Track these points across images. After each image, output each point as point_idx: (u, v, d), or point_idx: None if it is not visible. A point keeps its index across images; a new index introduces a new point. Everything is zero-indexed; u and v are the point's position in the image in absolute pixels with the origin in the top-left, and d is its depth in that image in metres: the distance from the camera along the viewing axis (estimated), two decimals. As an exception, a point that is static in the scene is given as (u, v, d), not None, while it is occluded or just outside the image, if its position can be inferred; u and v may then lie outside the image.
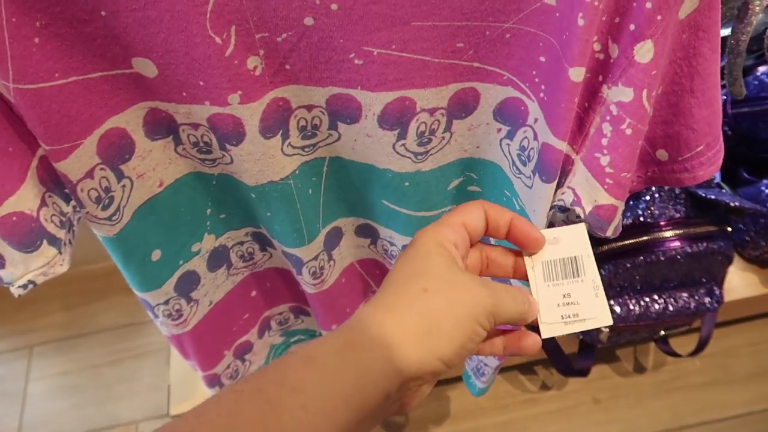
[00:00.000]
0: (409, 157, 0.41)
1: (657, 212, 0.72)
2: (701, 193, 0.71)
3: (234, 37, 0.33)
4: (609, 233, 0.39)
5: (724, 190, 0.74)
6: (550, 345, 0.87)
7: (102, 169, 0.39)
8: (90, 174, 0.38)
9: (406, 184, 0.43)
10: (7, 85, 0.31)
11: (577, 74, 0.32)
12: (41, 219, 0.36)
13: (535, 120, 0.38)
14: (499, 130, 0.41)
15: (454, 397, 0.99)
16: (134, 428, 1.00)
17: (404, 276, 0.30)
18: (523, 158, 0.40)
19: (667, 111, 0.35)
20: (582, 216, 0.37)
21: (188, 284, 0.52)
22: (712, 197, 0.70)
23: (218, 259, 0.53)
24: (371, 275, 0.58)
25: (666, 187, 0.72)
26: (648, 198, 0.72)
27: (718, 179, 0.78)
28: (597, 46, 0.32)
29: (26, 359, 1.09)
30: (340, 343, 0.28)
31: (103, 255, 1.24)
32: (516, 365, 1.00)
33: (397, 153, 0.40)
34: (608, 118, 0.34)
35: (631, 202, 0.72)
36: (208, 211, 0.48)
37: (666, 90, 0.34)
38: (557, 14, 0.32)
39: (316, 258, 0.50)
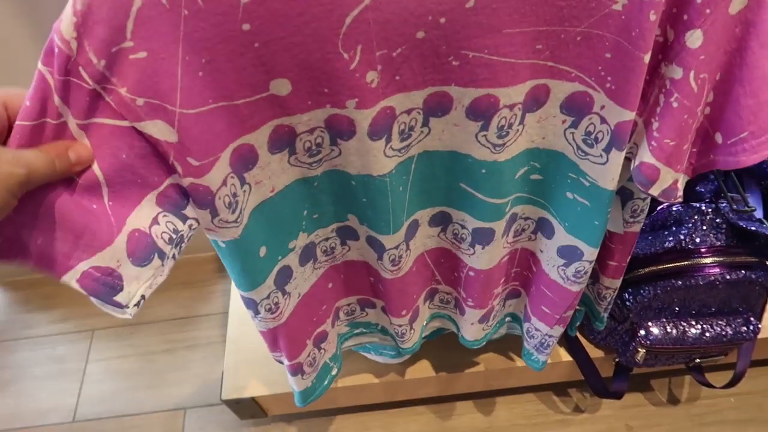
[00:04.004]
0: (489, 147, 0.47)
1: (698, 240, 0.76)
2: (742, 224, 0.74)
3: (359, 55, 0.38)
4: (653, 192, 0.45)
5: (765, 225, 0.77)
6: (586, 365, 0.91)
7: (232, 177, 0.43)
8: (224, 182, 0.43)
9: (483, 171, 0.48)
10: (174, 109, 0.36)
11: (647, 57, 0.39)
12: (153, 235, 0.40)
13: (602, 107, 0.44)
14: (564, 121, 0.47)
15: (488, 413, 1.02)
16: (182, 414, 1.05)
17: None
18: (589, 141, 0.47)
19: (722, 98, 0.41)
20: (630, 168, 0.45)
21: (284, 278, 0.56)
22: (753, 229, 0.73)
23: (308, 254, 0.57)
24: (436, 264, 0.63)
25: (708, 216, 0.76)
26: (690, 225, 0.76)
27: (760, 215, 0.82)
28: (657, 31, 0.39)
29: (88, 341, 1.17)
30: None
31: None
32: (550, 385, 1.03)
33: (479, 142, 0.46)
34: (663, 90, 0.41)
35: (674, 228, 0.77)
36: (305, 212, 0.53)
37: (722, 78, 0.40)
38: (623, 17, 0.38)
39: (397, 247, 0.55)
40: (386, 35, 0.38)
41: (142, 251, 0.40)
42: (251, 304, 0.55)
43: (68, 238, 0.37)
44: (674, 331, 0.80)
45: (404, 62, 0.40)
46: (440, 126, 0.46)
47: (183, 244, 0.43)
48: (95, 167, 0.37)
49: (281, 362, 0.68)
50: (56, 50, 0.33)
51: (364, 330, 0.75)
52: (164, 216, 0.41)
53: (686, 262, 0.75)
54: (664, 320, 0.80)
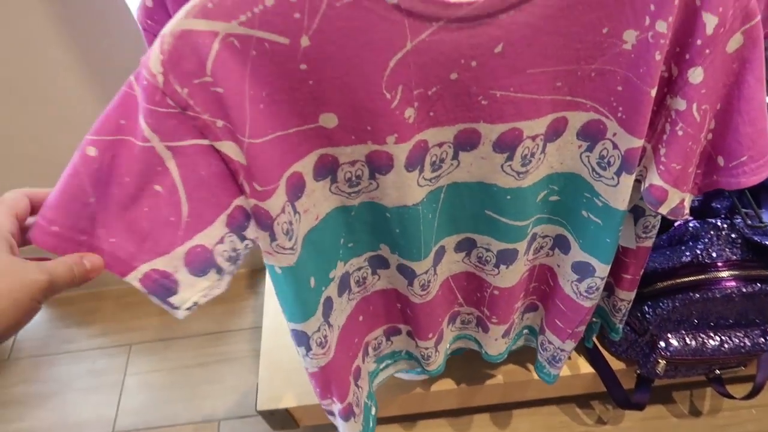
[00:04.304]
0: (513, 175, 0.50)
1: (715, 254, 0.78)
2: (757, 239, 0.77)
3: (399, 94, 0.42)
4: (662, 211, 0.49)
5: (779, 239, 0.80)
6: (608, 376, 0.93)
7: (288, 205, 0.46)
8: (283, 210, 0.46)
9: (508, 197, 0.52)
10: (243, 140, 0.40)
11: (654, 91, 0.43)
12: (214, 253, 0.44)
13: (614, 134, 0.48)
14: (580, 146, 0.51)
15: (511, 425, 1.05)
16: (216, 425, 1.09)
17: None
18: (602, 164, 0.51)
19: (723, 126, 0.45)
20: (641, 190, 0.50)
21: (328, 309, 0.58)
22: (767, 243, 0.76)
23: (343, 284, 0.60)
24: (459, 288, 0.67)
25: (723, 232, 0.79)
26: (707, 240, 0.79)
27: (774, 230, 0.84)
28: (663, 67, 0.43)
29: (126, 355, 1.22)
30: None
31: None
32: (573, 396, 1.06)
33: (504, 171, 0.50)
34: (669, 120, 0.45)
35: (691, 243, 0.79)
36: (341, 240, 0.56)
37: (723, 108, 0.45)
38: (632, 55, 0.43)
39: (426, 272, 0.59)
40: (424, 76, 0.42)
41: (199, 264, 0.43)
42: (303, 339, 0.57)
43: (135, 240, 0.40)
44: (693, 342, 0.82)
45: (438, 100, 0.44)
46: (469, 159, 0.50)
47: (239, 261, 0.47)
48: (178, 183, 0.40)
49: (332, 412, 0.69)
50: (144, 82, 0.37)
51: (389, 361, 0.77)
52: (229, 236, 0.44)
53: (703, 276, 0.78)
54: (684, 332, 0.83)
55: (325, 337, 0.59)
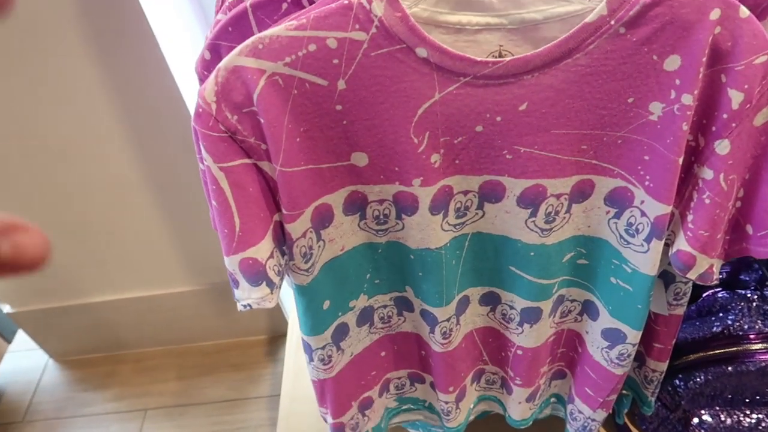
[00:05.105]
0: (537, 232, 0.51)
1: (746, 326, 0.76)
2: (790, 311, 0.75)
3: (426, 140, 0.45)
4: (691, 277, 0.48)
5: (813, 312, 0.78)
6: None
7: (311, 231, 0.50)
8: (304, 235, 0.49)
9: (531, 253, 0.52)
10: (275, 167, 0.44)
11: (681, 160, 0.44)
12: (267, 267, 0.47)
13: (642, 202, 0.48)
14: (608, 212, 0.51)
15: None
16: (228, 497, 1.06)
17: None
18: (630, 232, 0.51)
19: (751, 195, 0.45)
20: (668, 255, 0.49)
21: (341, 334, 0.61)
22: (801, 316, 0.74)
23: (365, 316, 0.62)
24: (484, 343, 0.66)
25: (754, 304, 0.77)
26: (737, 311, 0.77)
27: (807, 303, 0.82)
28: (690, 137, 0.43)
29: (140, 420, 1.20)
30: None
31: (216, 334, 1.38)
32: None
33: (528, 227, 0.50)
34: (696, 188, 0.45)
35: (721, 314, 0.78)
36: (368, 275, 0.58)
37: (751, 178, 0.45)
38: (659, 126, 0.43)
39: (448, 320, 0.59)
40: (450, 125, 0.45)
41: (252, 275, 0.47)
42: (308, 349, 0.61)
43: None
44: (728, 420, 0.78)
45: (463, 149, 0.46)
46: (493, 212, 0.51)
47: (283, 275, 0.51)
48: (231, 201, 0.45)
49: (326, 420, 0.71)
50: (200, 110, 0.42)
51: (412, 406, 0.76)
52: (276, 250, 0.48)
53: (736, 348, 0.75)
54: (718, 408, 0.79)
55: (329, 356, 0.61)
